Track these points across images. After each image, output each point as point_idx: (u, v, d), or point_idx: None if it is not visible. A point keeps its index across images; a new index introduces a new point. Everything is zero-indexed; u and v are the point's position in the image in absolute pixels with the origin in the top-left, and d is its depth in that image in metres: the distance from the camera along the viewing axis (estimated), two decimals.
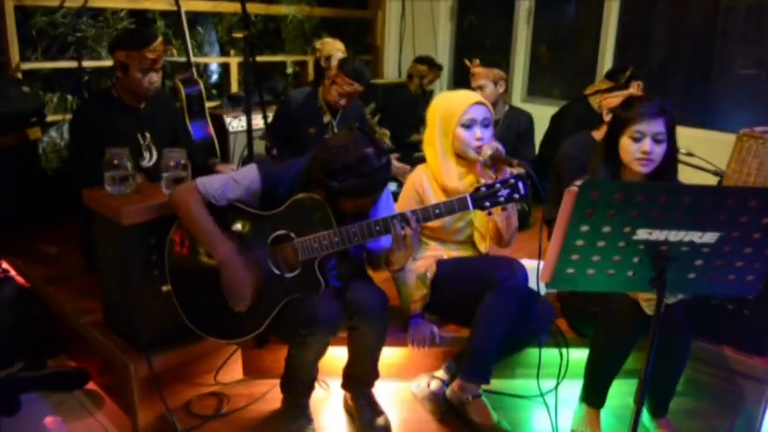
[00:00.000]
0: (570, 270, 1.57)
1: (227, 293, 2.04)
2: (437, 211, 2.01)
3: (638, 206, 1.43)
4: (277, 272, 2.07)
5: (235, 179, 2.08)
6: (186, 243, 2.16)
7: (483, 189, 2.00)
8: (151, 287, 2.21)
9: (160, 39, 2.68)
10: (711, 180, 3.08)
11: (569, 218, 1.46)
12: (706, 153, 3.21)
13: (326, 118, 3.57)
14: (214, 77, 5.15)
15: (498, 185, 1.99)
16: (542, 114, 4.23)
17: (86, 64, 3.92)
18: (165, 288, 2.18)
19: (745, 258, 1.54)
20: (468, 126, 2.30)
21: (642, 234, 1.48)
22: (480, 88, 3.72)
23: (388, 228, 1.99)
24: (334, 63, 3.63)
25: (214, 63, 4.88)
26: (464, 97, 2.35)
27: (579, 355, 2.38)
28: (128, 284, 2.22)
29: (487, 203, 2.00)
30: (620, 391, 2.39)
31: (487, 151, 2.24)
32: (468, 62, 3.83)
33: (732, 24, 4.77)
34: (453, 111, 2.32)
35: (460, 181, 2.35)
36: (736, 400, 2.43)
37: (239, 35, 2.45)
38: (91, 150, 2.60)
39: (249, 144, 2.57)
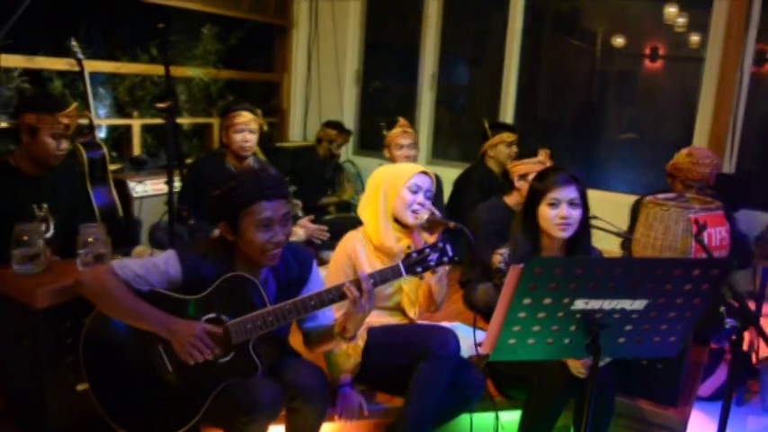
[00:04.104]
0: (512, 341, 1.62)
1: (191, 355, 1.88)
2: (372, 280, 2.01)
3: (577, 279, 1.51)
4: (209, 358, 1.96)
5: (154, 263, 1.98)
6: (104, 333, 1.99)
7: (414, 255, 2.04)
8: (64, 375, 2.05)
9: (75, 104, 2.58)
10: (614, 240, 3.29)
11: (513, 292, 1.51)
12: (600, 212, 3.43)
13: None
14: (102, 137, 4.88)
15: (428, 251, 2.04)
16: (445, 176, 4.35)
17: None
18: (80, 387, 1.97)
19: (669, 321, 1.66)
20: (413, 191, 2.40)
21: (579, 304, 1.56)
22: (409, 148, 3.82)
23: (323, 302, 1.96)
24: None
25: (104, 124, 4.65)
26: (414, 167, 2.49)
27: (508, 418, 2.42)
28: (38, 372, 2.05)
29: (419, 269, 2.04)
30: None
31: (424, 215, 2.37)
32: (401, 120, 3.92)
33: (606, 88, 5.20)
34: (402, 174, 2.42)
35: (397, 243, 2.41)
36: None
37: (163, 105, 2.40)
38: None
39: (170, 212, 2.47)
